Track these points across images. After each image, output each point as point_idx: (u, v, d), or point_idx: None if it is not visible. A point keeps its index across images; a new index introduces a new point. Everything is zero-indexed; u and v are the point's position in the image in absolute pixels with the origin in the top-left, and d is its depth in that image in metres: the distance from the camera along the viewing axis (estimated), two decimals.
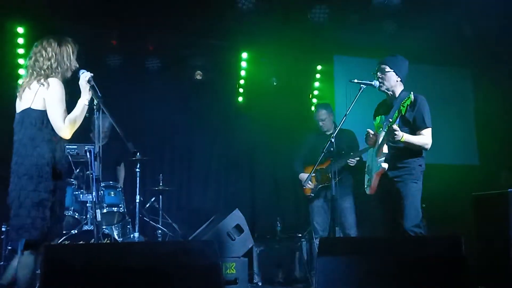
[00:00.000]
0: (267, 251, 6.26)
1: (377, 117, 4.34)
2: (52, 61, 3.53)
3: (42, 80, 3.45)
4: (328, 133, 5.71)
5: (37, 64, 3.52)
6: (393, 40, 6.45)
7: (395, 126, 3.89)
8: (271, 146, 7.46)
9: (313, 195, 5.57)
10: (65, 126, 3.42)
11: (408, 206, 4.01)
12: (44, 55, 3.54)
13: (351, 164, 5.39)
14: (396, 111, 3.96)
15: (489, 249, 4.90)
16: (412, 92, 3.89)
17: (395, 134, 3.90)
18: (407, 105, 3.85)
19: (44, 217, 3.34)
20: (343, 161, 5.35)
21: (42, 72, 3.49)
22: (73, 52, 3.64)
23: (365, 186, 4.31)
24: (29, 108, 3.45)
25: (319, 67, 7.81)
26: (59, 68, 3.55)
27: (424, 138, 4.06)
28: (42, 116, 3.44)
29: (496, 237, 4.85)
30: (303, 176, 5.61)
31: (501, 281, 4.69)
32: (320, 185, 5.53)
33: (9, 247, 5.00)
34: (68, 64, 3.59)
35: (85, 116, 3.63)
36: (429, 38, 6.42)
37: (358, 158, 5.42)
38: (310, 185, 5.56)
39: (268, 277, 6.13)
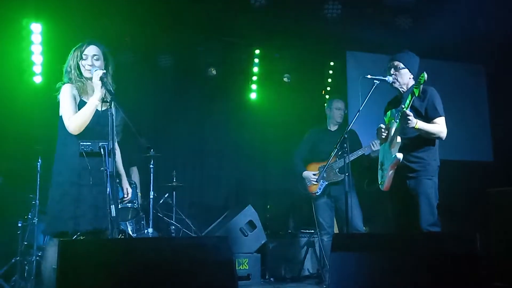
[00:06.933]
0: (280, 247, 6.25)
1: (387, 112, 4.27)
2: (65, 68, 3.73)
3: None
4: (333, 130, 5.67)
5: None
6: (406, 35, 6.40)
7: (408, 112, 3.80)
8: (284, 143, 7.43)
9: (319, 192, 5.44)
10: (70, 123, 3.56)
11: (422, 204, 3.91)
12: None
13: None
14: (409, 95, 3.82)
15: (505, 245, 4.84)
16: (425, 72, 3.74)
17: (409, 120, 3.80)
18: (421, 84, 3.70)
19: (67, 210, 3.48)
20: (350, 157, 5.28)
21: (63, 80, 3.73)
22: (78, 54, 3.69)
23: (379, 183, 4.20)
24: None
25: (331, 63, 7.79)
26: (66, 73, 3.70)
27: (439, 126, 3.96)
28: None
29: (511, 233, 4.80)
30: (308, 174, 5.51)
31: None
32: (327, 182, 5.48)
33: (25, 243, 5.07)
34: (72, 63, 3.69)
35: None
36: (443, 34, 6.36)
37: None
38: (313, 181, 5.42)
39: (280, 273, 6.12)
